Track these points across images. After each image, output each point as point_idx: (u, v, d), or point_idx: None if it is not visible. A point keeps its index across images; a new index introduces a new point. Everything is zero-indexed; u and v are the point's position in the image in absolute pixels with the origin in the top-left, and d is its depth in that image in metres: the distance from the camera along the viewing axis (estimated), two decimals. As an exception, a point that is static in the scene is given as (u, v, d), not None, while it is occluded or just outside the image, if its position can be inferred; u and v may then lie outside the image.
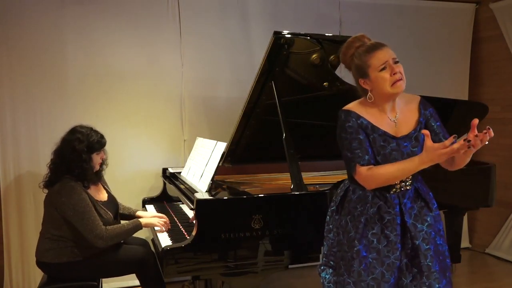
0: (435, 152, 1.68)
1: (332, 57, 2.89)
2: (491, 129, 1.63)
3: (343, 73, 3.92)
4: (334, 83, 2.97)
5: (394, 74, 1.83)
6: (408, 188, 1.94)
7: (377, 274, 1.88)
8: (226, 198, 2.57)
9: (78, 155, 2.59)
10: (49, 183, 2.65)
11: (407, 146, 1.90)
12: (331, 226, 2.09)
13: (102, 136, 2.73)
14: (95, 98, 3.72)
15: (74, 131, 2.68)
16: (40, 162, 3.56)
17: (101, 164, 2.80)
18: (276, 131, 2.73)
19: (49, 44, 3.60)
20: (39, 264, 2.63)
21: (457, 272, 3.96)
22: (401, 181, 1.91)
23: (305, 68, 2.89)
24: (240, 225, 2.35)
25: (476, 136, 1.61)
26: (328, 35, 2.87)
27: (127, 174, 3.83)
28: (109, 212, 2.70)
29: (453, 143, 1.65)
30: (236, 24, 4.04)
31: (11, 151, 3.56)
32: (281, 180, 3.21)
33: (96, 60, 3.71)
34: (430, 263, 1.88)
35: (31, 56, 3.56)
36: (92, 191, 2.70)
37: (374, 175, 1.86)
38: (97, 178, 2.78)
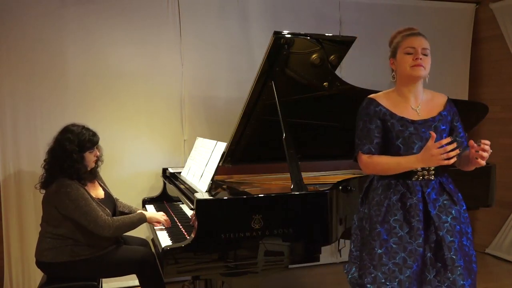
0: (429, 151, 1.79)
1: (332, 57, 2.89)
2: (482, 141, 1.79)
3: (343, 73, 3.95)
4: (334, 83, 2.97)
5: (416, 59, 1.93)
6: (431, 178, 1.98)
7: (398, 259, 1.90)
8: (226, 198, 2.56)
9: (69, 155, 2.58)
10: (46, 184, 2.65)
11: (425, 132, 1.96)
12: (356, 223, 2.15)
13: (94, 134, 2.70)
14: (95, 98, 3.72)
15: (65, 130, 2.67)
16: (40, 162, 3.50)
17: (96, 161, 2.78)
18: (276, 131, 2.73)
19: (49, 44, 3.60)
20: (39, 264, 2.63)
21: (457, 272, 3.95)
22: (423, 169, 1.97)
23: (305, 68, 2.88)
24: (240, 225, 2.34)
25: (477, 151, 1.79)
26: (328, 35, 2.87)
27: (127, 174, 3.82)
28: (107, 209, 2.70)
29: (450, 143, 1.76)
30: (236, 24, 4.04)
31: (11, 151, 3.56)
32: (281, 180, 3.21)
33: (96, 60, 3.71)
34: (454, 256, 1.89)
35: (31, 56, 3.56)
36: (88, 188, 2.70)
37: (372, 162, 2.00)
38: (92, 176, 2.78)
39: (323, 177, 3.36)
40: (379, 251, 1.92)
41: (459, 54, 4.76)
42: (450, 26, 4.69)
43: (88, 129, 2.70)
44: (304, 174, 2.66)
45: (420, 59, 1.93)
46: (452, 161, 1.78)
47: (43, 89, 3.60)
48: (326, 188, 2.60)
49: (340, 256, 4.13)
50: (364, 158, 2.02)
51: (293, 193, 2.51)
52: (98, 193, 2.80)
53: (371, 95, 2.08)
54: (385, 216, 1.96)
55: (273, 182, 3.23)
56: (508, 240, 4.50)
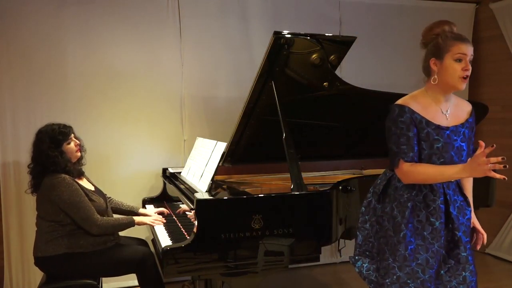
0: (475, 160, 1.78)
1: (332, 57, 2.89)
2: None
3: (343, 73, 3.95)
4: (334, 83, 2.97)
5: (465, 70, 1.92)
6: (451, 180, 2.00)
7: (422, 260, 1.94)
8: (226, 198, 2.57)
9: (46, 155, 2.60)
10: (36, 187, 2.66)
11: (457, 140, 1.97)
12: (367, 217, 2.15)
13: (64, 126, 2.70)
14: (95, 98, 3.72)
15: (37, 133, 2.69)
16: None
17: (80, 151, 2.77)
18: (276, 131, 2.73)
19: (49, 43, 3.60)
20: (38, 260, 2.63)
21: (457, 272, 3.96)
22: None
23: (305, 68, 2.88)
24: (240, 225, 2.34)
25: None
26: (328, 35, 2.87)
27: (127, 174, 3.83)
28: (101, 199, 2.73)
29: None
30: (236, 24, 4.04)
31: (11, 151, 3.56)
32: (281, 180, 3.21)
33: (96, 60, 3.71)
34: (468, 256, 1.96)
35: (31, 55, 3.56)
36: (78, 182, 2.70)
37: (415, 171, 1.93)
38: (78, 171, 2.76)
39: (323, 177, 3.37)
40: (404, 252, 1.95)
41: (459, 54, 4.76)
42: (450, 26, 4.69)
43: (57, 124, 2.71)
44: (304, 174, 2.66)
45: (468, 69, 1.93)
46: (497, 175, 1.78)
47: (43, 89, 3.60)
48: (326, 188, 2.60)
49: (340, 256, 4.13)
50: (405, 166, 1.94)
51: (293, 193, 2.51)
52: (88, 186, 2.80)
53: (400, 102, 1.99)
54: (409, 217, 1.97)
55: (273, 182, 3.23)
56: (508, 240, 4.50)
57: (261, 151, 3.30)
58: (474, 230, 2.13)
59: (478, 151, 1.78)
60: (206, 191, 2.63)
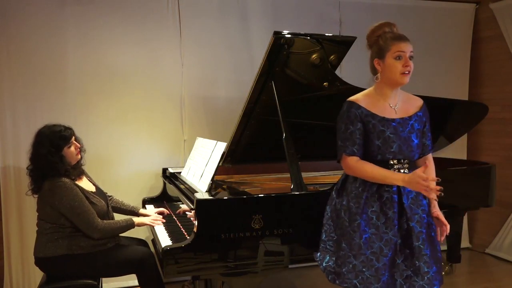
0: (415, 178, 1.90)
1: (332, 57, 2.89)
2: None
3: (343, 73, 3.95)
4: (334, 83, 2.97)
5: (405, 66, 2.03)
6: (406, 172, 2.08)
7: (376, 248, 2.02)
8: (226, 198, 2.56)
9: (46, 159, 2.55)
10: (36, 189, 2.62)
11: (403, 131, 2.07)
12: (329, 214, 2.23)
13: (65, 129, 2.64)
14: (95, 98, 3.72)
15: (36, 135, 2.63)
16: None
17: (79, 153, 2.73)
18: (276, 131, 2.73)
19: (49, 43, 3.60)
20: (38, 261, 2.63)
21: (457, 272, 3.96)
22: (398, 162, 2.07)
23: (305, 68, 2.88)
24: (240, 225, 2.35)
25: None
26: (328, 35, 2.87)
27: (127, 174, 3.83)
28: (101, 200, 2.71)
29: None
30: (236, 24, 4.04)
31: (11, 151, 3.56)
32: (281, 180, 3.21)
33: (96, 59, 3.71)
34: (421, 246, 2.03)
35: (31, 55, 3.56)
36: (78, 183, 2.68)
37: (358, 167, 2.07)
38: (78, 171, 2.73)
39: (323, 177, 3.37)
40: (359, 241, 2.03)
41: (459, 54, 4.76)
42: (450, 26, 4.69)
43: (58, 126, 2.64)
44: (304, 174, 2.67)
45: (408, 65, 2.03)
46: (430, 195, 1.91)
47: (43, 89, 3.60)
48: (326, 188, 2.60)
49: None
50: (350, 161, 2.08)
51: (293, 193, 2.51)
52: (89, 186, 2.78)
53: (351, 98, 2.14)
54: (364, 208, 2.06)
55: (273, 182, 3.24)
56: (508, 240, 4.50)
57: (261, 151, 3.29)
58: (438, 221, 2.15)
59: (419, 170, 1.90)
60: (206, 191, 2.63)
